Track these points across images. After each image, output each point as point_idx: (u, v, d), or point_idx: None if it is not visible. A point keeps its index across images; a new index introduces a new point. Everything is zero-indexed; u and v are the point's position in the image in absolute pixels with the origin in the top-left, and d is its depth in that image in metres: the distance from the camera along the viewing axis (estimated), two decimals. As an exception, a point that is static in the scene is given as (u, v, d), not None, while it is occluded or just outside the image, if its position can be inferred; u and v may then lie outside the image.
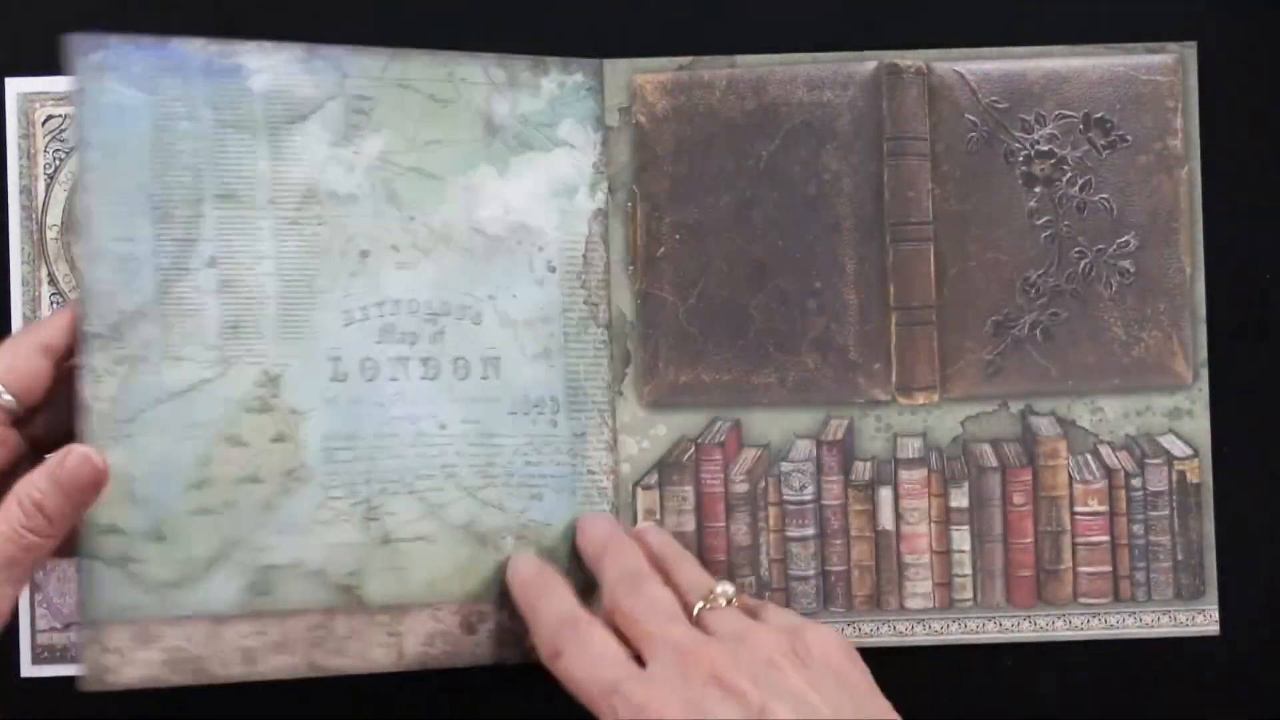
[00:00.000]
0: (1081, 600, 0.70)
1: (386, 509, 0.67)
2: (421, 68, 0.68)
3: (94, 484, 0.60)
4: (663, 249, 0.70)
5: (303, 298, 0.66)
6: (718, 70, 0.70)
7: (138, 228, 0.65)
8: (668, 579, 0.63)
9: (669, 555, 0.66)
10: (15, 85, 0.72)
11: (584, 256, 0.69)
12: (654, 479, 0.70)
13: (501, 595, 0.68)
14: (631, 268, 0.70)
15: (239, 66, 0.66)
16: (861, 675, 0.58)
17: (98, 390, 0.64)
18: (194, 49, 0.66)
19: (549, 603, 0.63)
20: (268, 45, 0.66)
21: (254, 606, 0.66)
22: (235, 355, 0.66)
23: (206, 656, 0.66)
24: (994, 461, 0.70)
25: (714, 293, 0.70)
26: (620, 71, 0.70)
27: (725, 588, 0.61)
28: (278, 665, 0.66)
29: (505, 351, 0.69)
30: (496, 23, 0.71)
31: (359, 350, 0.67)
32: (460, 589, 0.68)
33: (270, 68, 0.67)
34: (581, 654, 0.59)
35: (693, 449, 0.70)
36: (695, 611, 0.60)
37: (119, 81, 0.65)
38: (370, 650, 0.67)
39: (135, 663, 0.65)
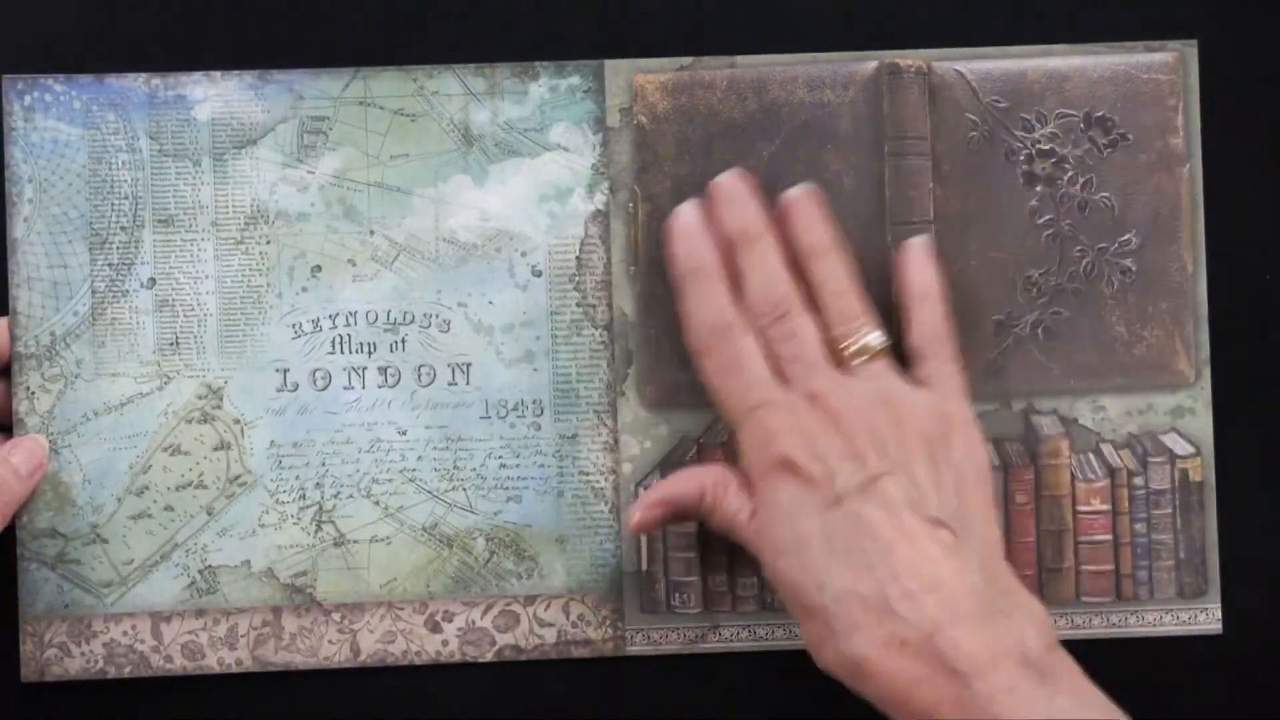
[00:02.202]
0: (1084, 599, 0.70)
1: (340, 512, 0.69)
2: (387, 84, 0.70)
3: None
4: (664, 249, 0.70)
5: (247, 313, 0.69)
6: (718, 70, 0.70)
7: (72, 254, 0.69)
8: (813, 290, 0.64)
9: (816, 256, 0.65)
10: None
11: (578, 258, 0.70)
12: (656, 479, 0.70)
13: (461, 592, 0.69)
14: (633, 268, 0.70)
15: (183, 97, 0.69)
16: (983, 499, 0.61)
17: (32, 405, 0.68)
18: (135, 83, 0.69)
19: (707, 296, 0.64)
20: (216, 74, 0.69)
21: (198, 604, 0.69)
22: (174, 370, 0.69)
23: (148, 652, 0.69)
24: (996, 460, 0.70)
25: (715, 293, 0.70)
26: (621, 72, 0.70)
27: (874, 337, 0.63)
28: (224, 660, 0.69)
29: (477, 357, 0.70)
30: (495, 25, 0.71)
31: (309, 362, 0.69)
32: (424, 588, 0.69)
33: (217, 95, 0.70)
34: (728, 366, 0.63)
35: (695, 448, 0.70)
36: (844, 351, 0.62)
37: (55, 119, 0.69)
38: (321, 647, 0.68)
39: (75, 656, 0.69)
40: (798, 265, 0.65)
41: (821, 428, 0.60)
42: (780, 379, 0.62)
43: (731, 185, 0.66)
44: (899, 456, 0.60)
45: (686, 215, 0.65)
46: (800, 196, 0.66)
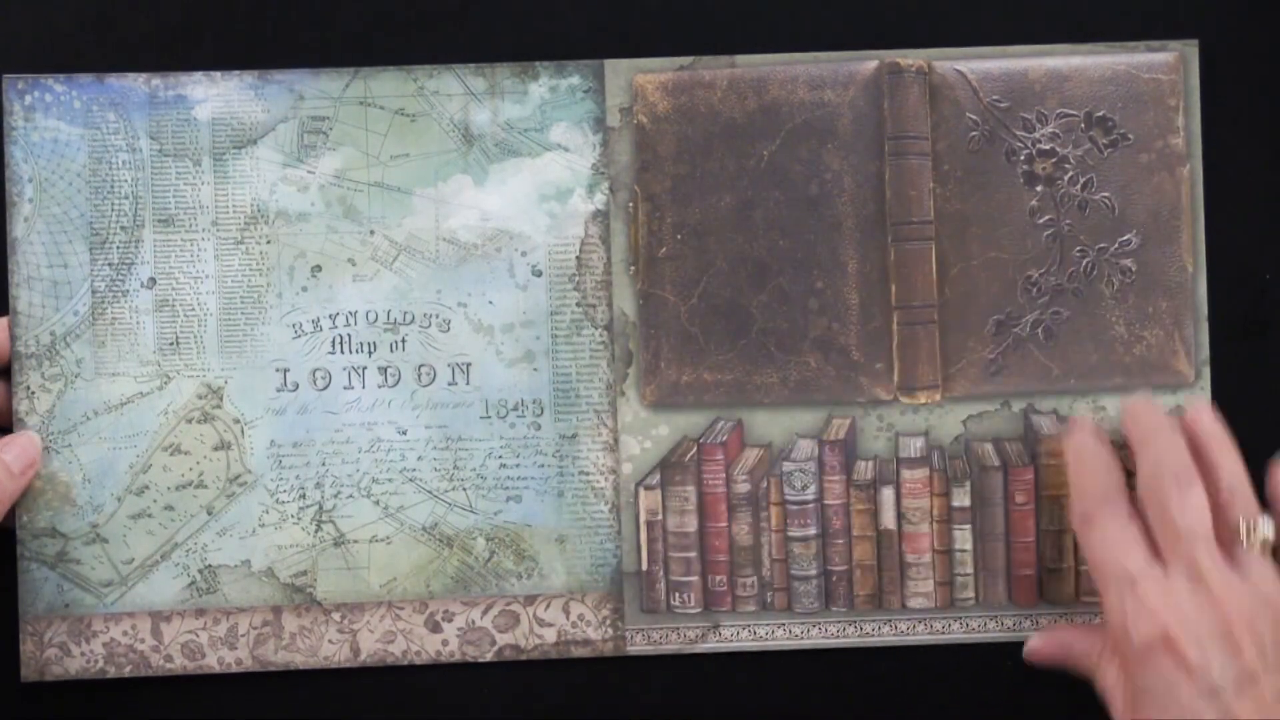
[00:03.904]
0: (1084, 599, 0.70)
1: (340, 512, 0.69)
2: (387, 84, 0.70)
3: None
4: (664, 249, 0.70)
5: (247, 313, 0.70)
6: (719, 70, 0.70)
7: (72, 254, 0.69)
8: (1208, 475, 0.64)
9: (1214, 447, 0.65)
10: None
11: (578, 258, 0.70)
12: (656, 479, 0.70)
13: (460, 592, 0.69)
14: (633, 268, 0.70)
15: (183, 97, 0.70)
16: None
17: (33, 405, 0.69)
18: (136, 83, 0.69)
19: (1096, 472, 0.65)
20: (216, 74, 0.70)
21: (198, 603, 0.69)
22: (174, 370, 0.69)
23: (148, 651, 0.69)
24: (996, 460, 0.70)
25: (716, 292, 0.70)
26: (621, 72, 0.70)
27: (1267, 529, 0.63)
28: (224, 660, 0.69)
29: (477, 357, 0.70)
30: (495, 25, 0.71)
31: (309, 361, 0.70)
32: (424, 588, 0.69)
33: (217, 95, 0.70)
34: (1111, 534, 0.63)
35: (695, 448, 0.70)
36: (1239, 534, 0.63)
37: (55, 118, 0.69)
38: (321, 647, 0.68)
39: (75, 656, 0.69)
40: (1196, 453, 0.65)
41: (1202, 611, 0.60)
42: (1160, 559, 0.62)
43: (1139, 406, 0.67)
44: (1276, 659, 0.59)
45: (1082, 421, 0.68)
46: (1203, 407, 0.67)
